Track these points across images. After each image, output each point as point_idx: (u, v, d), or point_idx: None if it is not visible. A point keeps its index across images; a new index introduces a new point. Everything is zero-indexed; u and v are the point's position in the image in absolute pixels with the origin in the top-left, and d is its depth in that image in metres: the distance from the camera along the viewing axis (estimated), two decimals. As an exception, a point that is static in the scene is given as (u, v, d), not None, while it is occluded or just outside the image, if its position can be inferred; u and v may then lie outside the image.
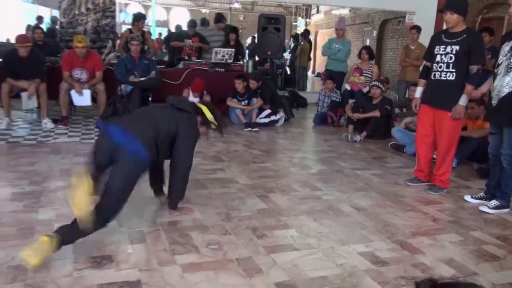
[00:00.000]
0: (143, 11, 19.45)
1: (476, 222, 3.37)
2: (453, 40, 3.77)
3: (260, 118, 6.86)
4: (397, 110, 6.64)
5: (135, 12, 8.74)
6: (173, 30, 14.38)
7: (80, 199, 2.34)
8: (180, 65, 7.46)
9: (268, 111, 6.96)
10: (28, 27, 11.59)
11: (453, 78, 3.78)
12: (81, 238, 2.45)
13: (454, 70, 3.77)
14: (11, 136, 5.35)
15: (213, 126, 3.17)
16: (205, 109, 3.13)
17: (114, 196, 2.52)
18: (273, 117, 6.98)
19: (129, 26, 7.56)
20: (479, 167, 4.74)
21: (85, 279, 2.27)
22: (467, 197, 3.85)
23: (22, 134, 5.50)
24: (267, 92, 7.05)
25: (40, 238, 2.33)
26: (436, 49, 3.87)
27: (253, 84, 6.91)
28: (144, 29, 7.67)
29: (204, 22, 9.52)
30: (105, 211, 2.49)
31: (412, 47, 7.62)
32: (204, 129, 3.14)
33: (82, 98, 6.03)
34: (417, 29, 7.62)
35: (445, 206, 3.71)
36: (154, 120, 2.84)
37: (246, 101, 6.88)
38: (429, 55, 3.99)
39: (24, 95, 5.80)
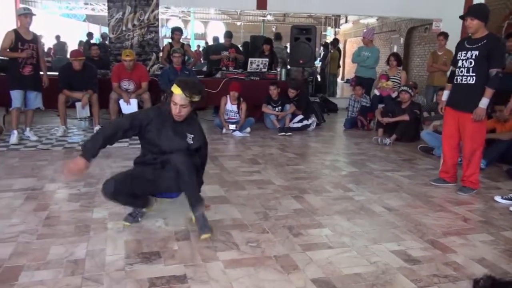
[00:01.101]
0: (182, 26, 19.78)
1: (507, 222, 3.24)
2: (473, 46, 3.75)
3: (293, 123, 6.85)
4: (425, 114, 6.49)
5: (173, 26, 8.93)
6: (210, 42, 14.56)
7: None
8: (218, 75, 7.54)
9: (300, 117, 6.94)
10: (80, 42, 12.01)
11: (473, 82, 3.74)
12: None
13: (474, 74, 3.73)
14: (67, 142, 5.54)
15: None
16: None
17: None
18: (305, 122, 6.94)
19: (170, 40, 7.72)
20: (509, 168, 4.57)
21: (136, 273, 2.32)
22: (497, 198, 3.72)
23: (76, 140, 5.69)
24: (303, 100, 7.05)
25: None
26: (458, 55, 3.87)
27: (292, 93, 6.92)
28: (183, 42, 7.82)
29: (278, 37, 9.88)
30: None
31: (440, 53, 7.43)
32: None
33: (130, 107, 6.18)
34: (445, 35, 7.43)
35: (475, 206, 3.59)
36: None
37: (280, 107, 6.89)
38: (454, 60, 3.96)
39: (78, 105, 5.99)
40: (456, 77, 3.88)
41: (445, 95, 4.12)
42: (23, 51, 5.23)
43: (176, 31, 7.59)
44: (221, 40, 9.50)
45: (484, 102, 3.66)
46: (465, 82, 3.78)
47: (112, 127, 2.80)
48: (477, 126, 3.78)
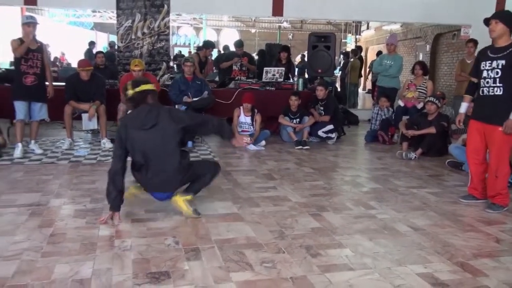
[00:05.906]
0: (194, 33, 20.05)
1: (544, 243, 3.19)
2: (498, 55, 3.74)
3: (322, 131, 6.89)
4: (454, 127, 6.44)
5: (205, 40, 9.17)
6: (221, 51, 14.71)
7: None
8: (231, 85, 7.61)
9: (331, 127, 6.94)
10: (86, 52, 12.25)
11: (500, 93, 3.73)
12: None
13: (501, 84, 3.72)
14: (73, 155, 5.64)
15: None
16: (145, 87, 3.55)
17: None
18: (330, 135, 6.95)
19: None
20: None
21: (144, 294, 2.34)
22: (533, 217, 3.67)
23: (83, 153, 5.79)
24: (331, 104, 7.08)
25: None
26: (482, 65, 3.86)
27: (321, 90, 6.96)
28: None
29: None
30: None
31: (468, 61, 7.40)
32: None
33: (138, 119, 6.27)
34: (474, 42, 7.42)
35: (508, 226, 3.53)
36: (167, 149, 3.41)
37: (298, 119, 6.91)
38: (476, 71, 3.97)
39: (85, 116, 6.10)
40: (481, 88, 3.86)
41: (463, 107, 4.16)
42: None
43: (208, 47, 7.82)
44: (232, 48, 9.61)
45: None
46: (492, 93, 3.77)
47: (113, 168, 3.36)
48: (505, 139, 3.76)
